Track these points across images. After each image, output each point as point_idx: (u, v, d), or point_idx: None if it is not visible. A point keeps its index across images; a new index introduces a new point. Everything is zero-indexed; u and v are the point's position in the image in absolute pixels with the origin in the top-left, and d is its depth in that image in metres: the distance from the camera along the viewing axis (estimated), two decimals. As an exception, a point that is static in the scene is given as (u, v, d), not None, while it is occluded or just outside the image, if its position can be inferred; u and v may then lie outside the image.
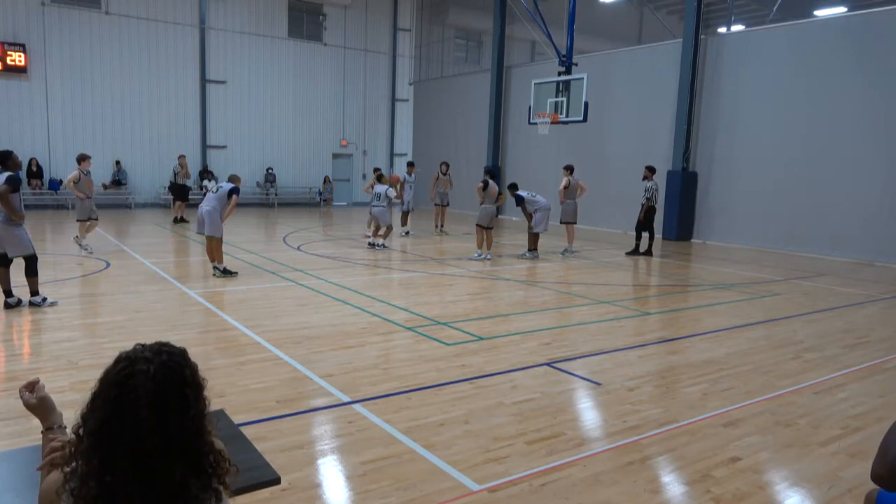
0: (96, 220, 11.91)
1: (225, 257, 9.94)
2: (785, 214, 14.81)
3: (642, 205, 13.24)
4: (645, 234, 13.43)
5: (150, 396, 1.32)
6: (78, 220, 11.68)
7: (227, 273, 9.63)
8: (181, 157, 18.20)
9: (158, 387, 1.34)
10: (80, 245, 11.58)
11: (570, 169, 13.28)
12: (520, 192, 12.78)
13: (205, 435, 1.41)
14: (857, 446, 4.18)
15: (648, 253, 13.43)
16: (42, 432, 1.83)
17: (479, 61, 26.73)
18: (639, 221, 13.37)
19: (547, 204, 12.78)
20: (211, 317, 7.27)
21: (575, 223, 13.36)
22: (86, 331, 6.60)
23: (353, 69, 26.57)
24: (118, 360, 1.38)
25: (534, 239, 12.73)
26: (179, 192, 17.94)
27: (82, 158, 11.60)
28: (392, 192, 13.53)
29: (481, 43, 27.30)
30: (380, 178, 13.86)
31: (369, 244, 13.40)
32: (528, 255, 12.68)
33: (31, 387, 1.86)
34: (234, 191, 9.82)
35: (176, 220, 17.36)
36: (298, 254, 12.44)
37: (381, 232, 13.42)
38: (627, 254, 13.52)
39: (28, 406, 1.84)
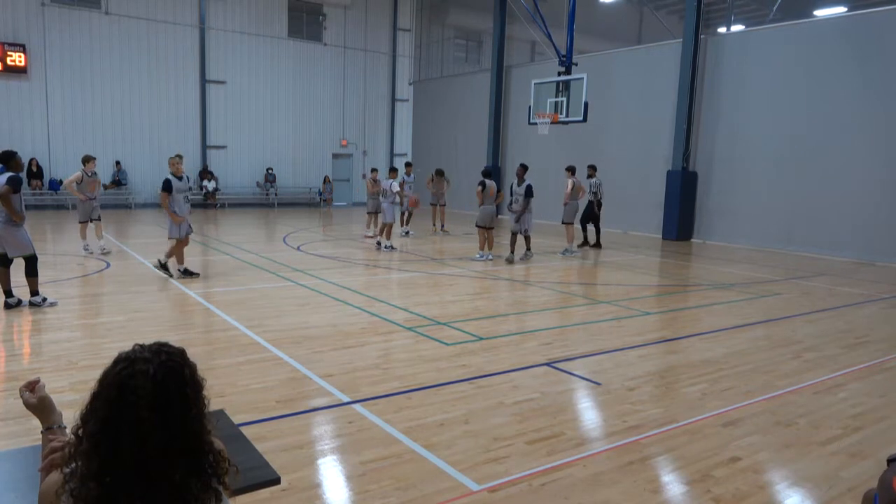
0: (98, 220, 11.65)
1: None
2: (785, 214, 14.81)
3: (590, 201, 14.11)
4: (591, 227, 14.42)
5: (150, 396, 1.32)
6: (80, 223, 11.60)
7: (165, 269, 9.37)
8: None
9: (158, 387, 1.34)
10: (94, 248, 11.50)
11: (572, 170, 13.30)
12: (530, 183, 11.85)
13: (205, 434, 1.41)
14: (856, 446, 4.18)
15: (585, 243, 14.35)
16: (42, 432, 1.84)
17: (479, 61, 26.72)
18: (595, 217, 14.26)
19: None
20: (211, 317, 7.27)
21: (574, 223, 13.39)
22: (86, 331, 6.60)
23: (353, 69, 26.57)
24: (117, 361, 1.39)
25: (527, 239, 12.53)
26: None
27: (87, 160, 11.48)
28: (396, 186, 13.50)
29: (481, 43, 27.29)
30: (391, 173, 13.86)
31: (378, 244, 13.34)
32: (528, 254, 12.54)
33: (32, 386, 1.86)
34: (162, 185, 9.17)
35: None
36: (298, 254, 12.44)
37: (385, 231, 13.42)
38: (590, 246, 14.32)
39: (28, 406, 1.84)
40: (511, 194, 12.03)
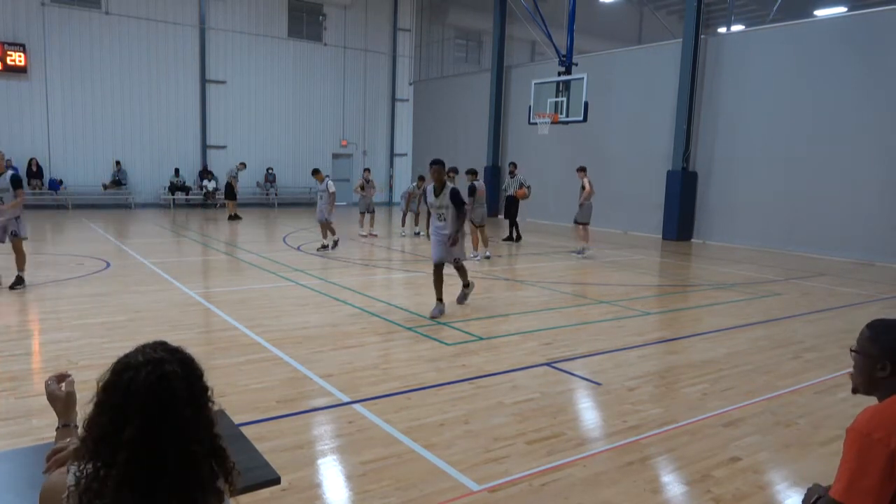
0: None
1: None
2: (785, 214, 14.81)
3: (511, 197, 14.83)
4: (516, 221, 15.07)
5: (187, 395, 1.33)
6: None
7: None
8: None
9: (190, 385, 1.34)
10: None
11: (584, 170, 12.96)
12: (456, 188, 7.77)
13: (219, 432, 1.41)
14: (857, 446, 4.17)
15: (510, 238, 15.10)
16: (57, 429, 1.81)
17: (479, 61, 26.72)
18: (513, 212, 15.11)
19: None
20: (211, 317, 7.27)
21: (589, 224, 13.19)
22: (86, 331, 6.59)
23: (353, 69, 26.57)
24: (139, 366, 1.32)
25: (462, 271, 8.20)
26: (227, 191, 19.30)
27: None
28: (323, 186, 13.43)
29: (481, 43, 27.30)
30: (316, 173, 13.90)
31: (324, 246, 12.92)
32: (466, 292, 8.34)
33: (62, 378, 1.83)
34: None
35: (231, 217, 18.65)
36: (298, 254, 12.44)
37: (323, 230, 13.02)
38: (504, 240, 15.07)
39: (52, 397, 1.80)
40: (425, 202, 8.18)
